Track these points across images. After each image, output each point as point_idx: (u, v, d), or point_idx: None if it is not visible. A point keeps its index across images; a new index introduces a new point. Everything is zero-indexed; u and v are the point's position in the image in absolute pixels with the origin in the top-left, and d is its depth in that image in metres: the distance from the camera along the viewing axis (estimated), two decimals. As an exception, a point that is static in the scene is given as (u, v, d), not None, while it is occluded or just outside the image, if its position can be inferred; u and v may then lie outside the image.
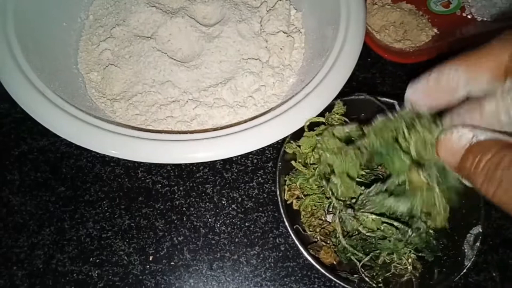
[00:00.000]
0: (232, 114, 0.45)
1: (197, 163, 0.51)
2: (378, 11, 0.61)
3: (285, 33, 0.51)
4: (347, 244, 0.40)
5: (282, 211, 0.41)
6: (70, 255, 0.47)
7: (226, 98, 0.46)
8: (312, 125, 0.42)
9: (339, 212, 0.40)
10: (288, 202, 0.44)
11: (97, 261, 0.47)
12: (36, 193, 0.50)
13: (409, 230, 0.38)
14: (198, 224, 0.49)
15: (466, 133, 0.26)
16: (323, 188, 0.41)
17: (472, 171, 0.25)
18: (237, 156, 0.52)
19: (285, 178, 0.44)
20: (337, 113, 0.44)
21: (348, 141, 0.39)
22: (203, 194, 0.51)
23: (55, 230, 0.48)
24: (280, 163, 0.44)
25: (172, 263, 0.47)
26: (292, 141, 0.44)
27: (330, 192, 0.39)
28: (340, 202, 0.40)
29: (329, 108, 0.43)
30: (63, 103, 0.41)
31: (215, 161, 0.52)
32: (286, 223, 0.41)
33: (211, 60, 0.48)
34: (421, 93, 0.32)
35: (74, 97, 0.45)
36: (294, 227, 0.42)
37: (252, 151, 0.52)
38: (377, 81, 0.59)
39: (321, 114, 0.42)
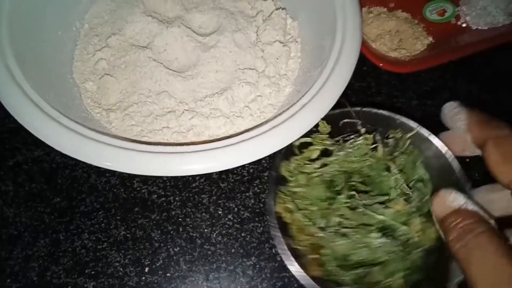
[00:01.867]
0: (229, 124, 0.45)
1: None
2: (373, 19, 0.61)
3: (281, 42, 0.51)
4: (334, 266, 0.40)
5: (272, 223, 0.41)
6: (65, 267, 0.47)
7: (222, 109, 0.46)
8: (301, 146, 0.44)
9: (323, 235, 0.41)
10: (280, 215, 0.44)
11: (93, 272, 0.47)
12: (30, 204, 0.49)
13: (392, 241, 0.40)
14: (194, 234, 0.49)
15: (460, 199, 0.33)
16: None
17: (451, 226, 0.32)
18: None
19: (279, 190, 0.44)
20: (322, 133, 0.45)
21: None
22: (199, 205, 0.50)
23: (50, 242, 0.47)
24: (273, 173, 0.43)
25: (168, 274, 0.47)
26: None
27: (308, 220, 0.41)
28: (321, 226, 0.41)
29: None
30: (57, 115, 0.41)
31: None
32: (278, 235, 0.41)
33: (207, 70, 0.48)
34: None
35: (69, 107, 0.44)
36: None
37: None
38: (372, 90, 0.59)
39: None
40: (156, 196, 0.50)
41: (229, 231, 0.49)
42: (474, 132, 0.37)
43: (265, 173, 0.52)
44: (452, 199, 0.33)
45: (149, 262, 0.47)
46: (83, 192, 0.50)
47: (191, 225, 0.49)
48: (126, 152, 0.38)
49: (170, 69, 0.48)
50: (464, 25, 0.63)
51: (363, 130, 0.45)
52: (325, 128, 0.44)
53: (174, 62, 0.50)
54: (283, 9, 0.54)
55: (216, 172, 0.52)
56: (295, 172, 0.43)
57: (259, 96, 0.47)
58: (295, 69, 0.52)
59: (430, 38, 0.61)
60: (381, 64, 0.58)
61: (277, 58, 0.50)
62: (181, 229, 0.49)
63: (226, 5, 0.54)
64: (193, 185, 0.51)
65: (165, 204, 0.50)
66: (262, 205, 0.50)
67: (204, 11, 0.53)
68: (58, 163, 0.51)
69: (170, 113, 0.45)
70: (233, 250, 0.48)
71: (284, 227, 0.41)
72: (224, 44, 0.49)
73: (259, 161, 0.53)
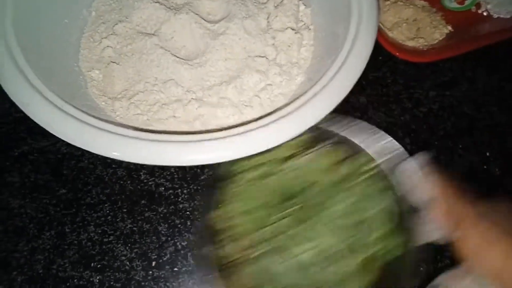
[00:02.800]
0: (237, 114, 0.43)
1: (202, 166, 0.50)
2: (390, 7, 0.59)
3: (293, 29, 0.49)
4: None
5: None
6: (71, 260, 0.46)
7: (231, 98, 0.44)
8: None
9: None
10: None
11: (99, 266, 0.46)
12: (36, 195, 0.48)
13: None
14: (202, 228, 0.47)
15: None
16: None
17: None
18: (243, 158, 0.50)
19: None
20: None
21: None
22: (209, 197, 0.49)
23: (55, 234, 0.46)
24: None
25: (176, 269, 0.46)
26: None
27: (241, 230, 0.39)
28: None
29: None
30: (63, 104, 0.39)
31: (221, 163, 0.50)
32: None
33: (215, 58, 0.46)
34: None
35: (75, 96, 0.43)
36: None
37: (258, 152, 0.51)
38: (388, 80, 0.57)
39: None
40: (163, 188, 0.49)
41: (238, 224, 0.48)
42: (442, 209, 0.31)
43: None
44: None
45: (156, 256, 0.46)
46: (89, 183, 0.49)
47: (199, 219, 0.48)
48: (134, 141, 0.37)
49: (178, 57, 0.47)
50: (485, 13, 0.61)
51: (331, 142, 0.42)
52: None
53: (181, 49, 0.48)
54: (295, -6, 0.52)
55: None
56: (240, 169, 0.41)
57: (269, 85, 0.46)
58: (308, 57, 0.50)
59: (449, 27, 0.59)
60: (398, 54, 0.56)
61: (288, 46, 0.49)
62: (189, 223, 0.48)
63: (236, -9, 0.53)
64: (202, 177, 0.50)
65: (172, 196, 0.49)
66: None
67: (213, -3, 0.51)
68: (64, 154, 0.50)
69: (177, 102, 0.44)
70: (242, 244, 0.47)
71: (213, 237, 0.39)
72: (233, 31, 0.47)
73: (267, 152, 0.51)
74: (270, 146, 0.38)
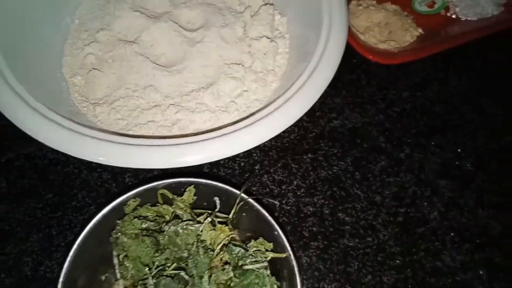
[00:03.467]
0: (214, 119, 0.45)
1: (184, 168, 0.51)
2: (362, 12, 0.61)
3: (268, 38, 0.51)
4: None
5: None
6: (58, 261, 0.47)
7: (208, 103, 0.46)
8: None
9: None
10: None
11: (85, 266, 0.47)
12: (23, 200, 0.50)
13: None
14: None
15: None
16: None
17: None
18: (224, 160, 0.52)
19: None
20: (185, 202, 0.40)
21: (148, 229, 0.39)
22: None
23: (43, 237, 0.48)
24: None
25: (160, 268, 0.47)
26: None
27: (120, 274, 0.38)
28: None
29: (180, 188, 0.41)
30: (47, 111, 0.41)
31: (202, 165, 0.52)
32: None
33: (193, 65, 0.48)
34: None
35: (57, 102, 0.45)
36: None
37: (239, 154, 0.52)
38: (362, 82, 0.59)
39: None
40: (147, 190, 0.51)
41: (220, 224, 0.50)
42: None
43: (256, 166, 0.52)
44: None
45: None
46: (75, 187, 0.50)
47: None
48: (118, 146, 0.39)
49: (157, 64, 0.49)
50: (453, 16, 0.63)
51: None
52: (190, 198, 0.40)
53: (161, 57, 0.50)
54: (271, 4, 0.54)
55: (207, 165, 0.52)
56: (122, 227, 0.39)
57: (245, 91, 0.48)
58: (283, 64, 0.52)
59: (420, 30, 0.61)
60: (370, 57, 0.58)
61: (264, 54, 0.51)
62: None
63: (214, 1, 0.55)
64: (184, 179, 0.52)
65: (156, 198, 0.51)
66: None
67: (192, 7, 0.53)
68: (50, 159, 0.52)
69: (156, 107, 0.46)
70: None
71: None
72: (210, 39, 0.49)
73: (249, 155, 0.53)
74: (248, 148, 0.40)
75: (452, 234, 0.50)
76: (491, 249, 0.50)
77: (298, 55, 0.50)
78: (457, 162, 0.55)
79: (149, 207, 0.40)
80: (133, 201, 0.39)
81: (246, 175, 0.52)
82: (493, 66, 0.61)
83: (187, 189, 0.40)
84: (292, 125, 0.54)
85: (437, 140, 0.56)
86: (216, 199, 0.41)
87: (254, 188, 0.51)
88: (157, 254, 0.39)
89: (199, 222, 0.39)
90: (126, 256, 0.38)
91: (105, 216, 0.38)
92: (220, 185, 0.40)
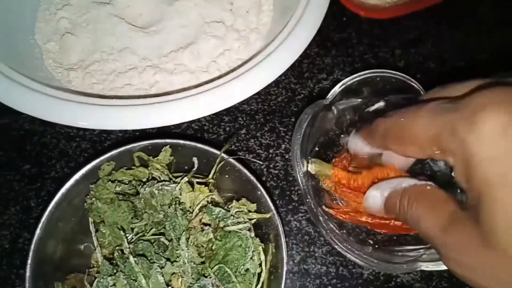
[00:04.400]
0: (194, 80, 0.43)
1: (166, 132, 0.49)
2: (352, -34, 0.58)
3: (251, -6, 0.48)
4: None
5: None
6: (38, 233, 0.46)
7: (187, 64, 0.44)
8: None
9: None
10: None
11: (66, 238, 0.46)
12: (0, 172, 0.48)
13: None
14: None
15: (376, 196, 0.34)
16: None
17: (396, 216, 0.32)
18: (209, 125, 0.50)
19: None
20: (161, 162, 0.39)
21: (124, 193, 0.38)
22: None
23: (20, 209, 0.46)
24: None
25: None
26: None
27: (97, 242, 0.37)
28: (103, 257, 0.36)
29: (158, 151, 0.39)
30: (21, 77, 0.40)
31: (186, 130, 0.50)
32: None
33: (172, 25, 0.46)
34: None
35: (30, 69, 0.43)
36: None
37: (224, 119, 0.50)
38: (353, 40, 0.57)
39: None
40: (129, 159, 0.49)
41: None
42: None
43: (242, 131, 0.50)
44: (374, 202, 0.34)
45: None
46: (53, 158, 0.48)
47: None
48: (96, 108, 0.38)
49: (134, 25, 0.46)
50: (447, -32, 0.60)
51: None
52: (166, 159, 0.39)
53: (138, 18, 0.48)
54: (253, -42, 0.51)
55: (191, 130, 0.50)
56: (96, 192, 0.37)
57: (227, 50, 0.45)
58: (267, 22, 0.49)
59: (411, -16, 0.58)
60: (362, 12, 0.55)
61: (246, 11, 0.48)
62: (156, 192, 0.48)
63: (193, -43, 0.52)
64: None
65: (139, 166, 0.49)
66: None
67: (169, -37, 0.50)
68: (27, 130, 0.50)
69: (133, 70, 0.43)
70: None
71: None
72: (189, -4, 0.47)
73: (235, 119, 0.51)
74: (231, 104, 0.38)
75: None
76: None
77: (282, 12, 0.47)
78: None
79: (125, 170, 0.38)
80: (108, 165, 0.37)
81: (230, 138, 0.50)
82: (485, 20, 0.58)
83: (163, 149, 0.38)
84: (279, 87, 0.53)
85: (432, 98, 0.54)
86: (195, 159, 0.39)
87: (241, 153, 0.49)
88: (135, 220, 0.37)
89: (176, 183, 0.37)
90: (102, 222, 0.37)
91: (77, 182, 0.37)
92: (200, 145, 0.38)
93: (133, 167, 0.38)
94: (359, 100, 0.44)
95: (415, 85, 0.41)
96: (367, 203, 0.35)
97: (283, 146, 0.50)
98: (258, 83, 0.38)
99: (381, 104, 0.44)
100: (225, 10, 0.47)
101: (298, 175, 0.38)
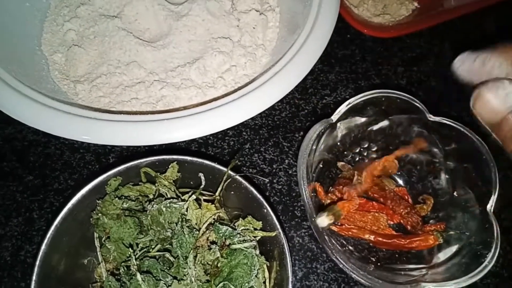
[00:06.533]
0: (201, 95, 0.43)
1: (172, 147, 0.49)
2: (356, -16, 0.58)
3: (257, 11, 0.49)
4: None
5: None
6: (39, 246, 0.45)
7: (194, 79, 0.44)
8: None
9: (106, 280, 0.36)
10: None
11: (68, 251, 0.45)
12: (2, 183, 0.47)
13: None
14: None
15: (504, 98, 0.30)
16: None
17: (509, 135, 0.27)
18: (213, 139, 0.50)
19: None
20: (168, 179, 0.39)
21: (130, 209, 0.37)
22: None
23: (23, 221, 0.46)
24: None
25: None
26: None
27: (101, 257, 0.37)
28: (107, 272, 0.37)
29: (164, 167, 0.39)
30: (26, 89, 0.40)
31: (190, 144, 0.50)
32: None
33: (179, 40, 0.46)
34: (466, 69, 0.41)
35: (36, 80, 0.43)
36: None
37: (228, 133, 0.50)
38: (356, 57, 0.57)
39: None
40: (133, 172, 0.49)
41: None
42: None
43: (247, 145, 0.50)
44: (503, 98, 0.32)
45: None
46: (57, 169, 0.48)
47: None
48: (102, 123, 0.38)
49: (141, 39, 0.46)
50: (450, -12, 0.61)
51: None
52: (174, 174, 0.39)
53: (146, 32, 0.48)
54: (260, -24, 0.52)
55: (195, 144, 0.50)
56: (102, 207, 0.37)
57: (233, 66, 0.45)
58: (273, 39, 0.50)
59: (415, 3, 0.59)
60: (365, 30, 0.56)
61: (253, 27, 0.48)
62: (159, 205, 0.48)
63: (200, -28, 0.52)
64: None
65: (142, 180, 0.49)
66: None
67: (177, -21, 0.51)
68: (30, 141, 0.49)
69: (140, 84, 0.43)
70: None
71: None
72: (196, 12, 0.47)
73: (239, 133, 0.51)
74: (236, 123, 0.38)
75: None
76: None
77: (288, 29, 0.48)
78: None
79: (132, 186, 0.38)
80: (115, 180, 0.37)
81: (236, 154, 0.50)
82: (489, 39, 0.59)
83: (170, 166, 0.38)
84: (283, 102, 0.53)
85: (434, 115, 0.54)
86: (201, 175, 0.39)
87: (244, 168, 0.49)
88: (140, 236, 0.37)
89: (183, 200, 0.37)
90: (108, 237, 0.37)
91: (84, 197, 0.37)
92: (206, 162, 0.38)
93: (140, 183, 0.38)
94: (364, 119, 0.44)
95: (420, 106, 0.42)
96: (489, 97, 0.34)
97: (286, 161, 0.50)
98: (266, 101, 0.38)
99: (385, 123, 0.44)
100: (232, 26, 0.48)
101: (304, 193, 0.38)
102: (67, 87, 0.45)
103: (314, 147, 0.40)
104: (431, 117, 0.42)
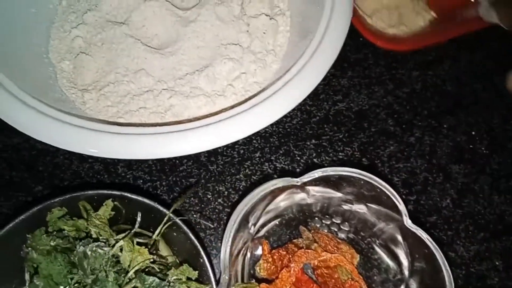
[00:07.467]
0: (210, 104, 0.42)
1: (180, 156, 0.49)
2: (370, -7, 0.56)
3: (267, 16, 0.48)
4: None
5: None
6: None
7: (203, 87, 0.43)
8: None
9: None
10: None
11: (77, 262, 0.45)
12: (11, 193, 0.47)
13: None
14: (182, 220, 0.47)
15: None
16: None
17: None
18: (223, 147, 0.49)
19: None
20: (101, 218, 0.37)
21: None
22: (187, 189, 0.48)
23: (32, 232, 0.46)
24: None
25: (156, 262, 0.45)
26: None
27: None
28: None
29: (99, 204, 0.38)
30: (32, 101, 0.39)
31: (199, 153, 0.49)
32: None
33: (187, 46, 0.45)
34: None
35: (43, 89, 0.43)
36: None
37: (238, 141, 0.50)
38: (370, 61, 0.56)
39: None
40: (141, 181, 0.48)
41: (220, 215, 0.47)
42: None
43: (257, 154, 0.50)
44: None
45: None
46: (66, 179, 0.48)
47: (179, 211, 0.47)
48: (109, 136, 0.37)
49: (149, 46, 0.45)
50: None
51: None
52: (107, 213, 0.37)
53: (154, 38, 0.47)
54: (270, -21, 0.50)
55: (204, 154, 0.49)
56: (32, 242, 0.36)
57: (243, 73, 0.44)
58: (284, 44, 0.48)
59: (433, 13, 0.57)
60: (378, 42, 0.53)
61: (263, 33, 0.47)
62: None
63: (208, -24, 0.51)
64: (180, 168, 0.49)
65: (151, 189, 0.48)
66: (254, 188, 0.48)
67: (184, -17, 0.50)
68: (39, 150, 0.49)
69: (148, 93, 0.43)
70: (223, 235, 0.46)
71: None
72: (205, 17, 0.46)
73: (249, 142, 0.50)
74: (246, 135, 0.37)
75: (466, 222, 0.48)
76: (507, 237, 0.47)
77: (299, 33, 0.47)
78: (470, 146, 0.52)
79: (67, 220, 0.37)
80: (59, 210, 0.36)
81: (246, 163, 0.49)
82: (506, 43, 0.57)
83: (104, 203, 0.37)
84: (294, 109, 0.52)
85: (449, 122, 0.53)
86: (139, 214, 0.37)
87: (255, 177, 0.48)
88: (72, 273, 0.35)
89: (117, 241, 0.35)
90: (36, 273, 0.35)
91: (23, 220, 0.36)
92: (146, 201, 0.37)
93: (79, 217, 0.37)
94: (338, 195, 0.41)
95: (400, 206, 0.38)
96: None
97: (297, 170, 0.49)
98: (277, 111, 0.37)
99: (362, 207, 0.42)
100: (241, 32, 0.47)
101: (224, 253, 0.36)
102: (75, 95, 0.44)
103: (267, 202, 0.39)
104: (409, 224, 0.38)
